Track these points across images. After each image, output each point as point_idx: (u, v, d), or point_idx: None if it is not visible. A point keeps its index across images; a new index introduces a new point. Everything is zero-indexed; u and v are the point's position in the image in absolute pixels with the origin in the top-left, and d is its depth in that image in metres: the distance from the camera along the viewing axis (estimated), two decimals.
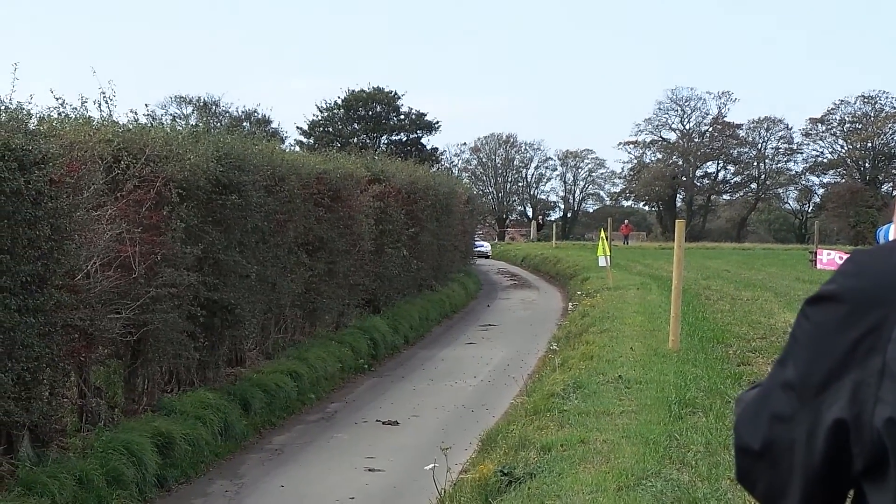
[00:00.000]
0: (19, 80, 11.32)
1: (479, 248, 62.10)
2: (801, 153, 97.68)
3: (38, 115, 11.65)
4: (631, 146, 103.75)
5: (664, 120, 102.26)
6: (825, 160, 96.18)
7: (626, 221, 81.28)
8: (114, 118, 14.00)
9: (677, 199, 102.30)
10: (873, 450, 1.54)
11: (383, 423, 16.16)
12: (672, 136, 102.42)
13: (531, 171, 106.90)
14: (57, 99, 13.02)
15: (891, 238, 1.79)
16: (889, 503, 1.54)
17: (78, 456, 11.29)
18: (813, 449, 1.60)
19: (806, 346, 1.64)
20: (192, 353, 14.72)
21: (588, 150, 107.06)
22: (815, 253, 46.47)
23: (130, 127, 14.14)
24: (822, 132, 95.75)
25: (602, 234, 35.24)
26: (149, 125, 14.87)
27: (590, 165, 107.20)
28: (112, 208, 12.38)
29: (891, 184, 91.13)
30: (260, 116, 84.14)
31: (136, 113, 14.87)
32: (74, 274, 11.55)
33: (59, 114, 12.77)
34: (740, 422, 1.75)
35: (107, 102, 13.92)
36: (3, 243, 9.91)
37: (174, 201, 13.61)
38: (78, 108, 13.33)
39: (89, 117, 13.40)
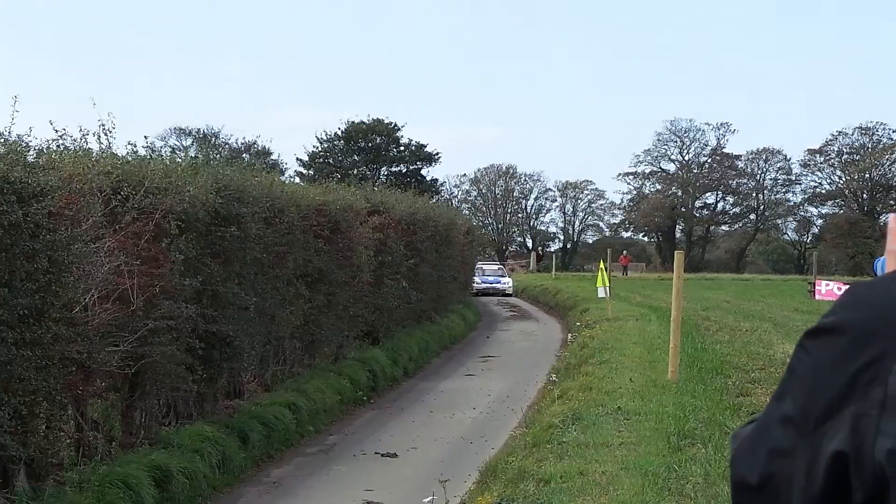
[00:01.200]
0: (19, 112, 11.30)
1: (492, 284, 56.16)
2: (800, 184, 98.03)
3: (36, 148, 11.66)
4: (630, 177, 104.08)
5: (663, 151, 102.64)
6: (823, 191, 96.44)
7: (624, 252, 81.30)
8: (113, 150, 14.01)
9: (676, 229, 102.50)
10: (874, 482, 1.53)
11: (382, 455, 16.11)
12: (671, 168, 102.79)
13: (531, 202, 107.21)
14: (56, 131, 13.04)
15: (885, 270, 1.78)
16: None
17: (74, 490, 11.23)
18: (813, 482, 1.58)
19: (805, 379, 1.62)
20: (191, 386, 14.67)
21: (588, 181, 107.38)
22: (814, 283, 46.47)
23: (129, 159, 14.13)
24: (821, 163, 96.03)
25: (601, 264, 35.23)
26: (148, 157, 14.87)
27: (589, 196, 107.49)
28: (111, 241, 12.37)
29: (889, 215, 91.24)
30: (259, 148, 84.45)
31: (135, 145, 14.87)
32: (72, 307, 11.52)
33: (59, 146, 12.79)
34: (737, 457, 1.73)
35: (106, 134, 13.94)
36: (1, 276, 9.90)
37: (173, 233, 13.60)
38: (78, 140, 13.36)
39: (89, 149, 13.41)
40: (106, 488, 11.43)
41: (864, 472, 1.53)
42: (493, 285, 55.95)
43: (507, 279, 57.82)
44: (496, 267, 61.79)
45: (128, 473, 11.90)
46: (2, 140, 10.75)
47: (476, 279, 53.88)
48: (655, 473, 10.74)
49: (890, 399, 1.52)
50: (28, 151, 11.05)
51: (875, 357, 1.54)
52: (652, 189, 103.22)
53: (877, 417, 1.52)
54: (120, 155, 14.05)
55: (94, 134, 13.72)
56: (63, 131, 13.12)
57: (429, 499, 10.59)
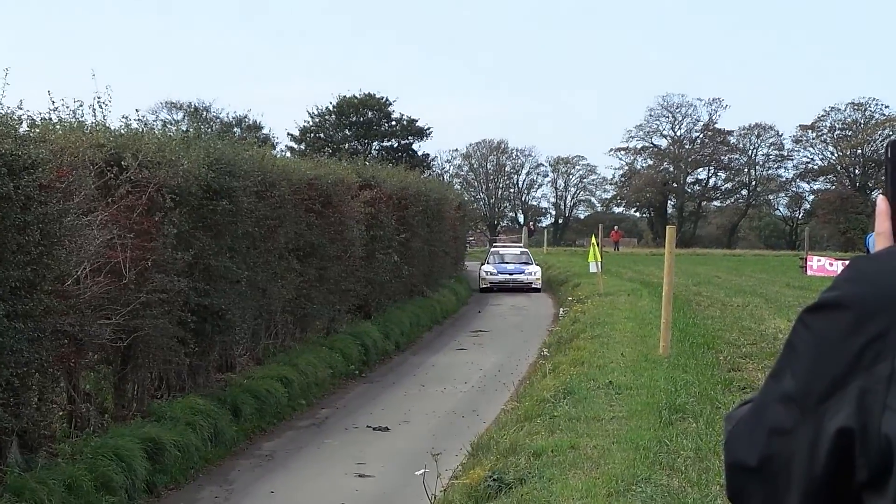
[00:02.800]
0: (10, 84, 11.24)
1: (513, 274, 42.44)
2: (792, 160, 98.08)
3: (28, 120, 11.61)
4: (622, 153, 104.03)
5: (655, 126, 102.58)
6: (815, 167, 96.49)
7: (615, 227, 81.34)
8: (107, 123, 13.98)
9: (668, 205, 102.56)
10: (879, 459, 1.50)
11: (374, 428, 16.14)
12: (663, 143, 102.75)
13: (522, 177, 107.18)
14: (53, 102, 13.00)
15: (873, 248, 1.74)
16: None
17: (67, 462, 11.25)
18: (815, 461, 1.55)
19: (807, 355, 1.59)
20: (183, 359, 14.68)
21: (579, 156, 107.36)
22: (806, 259, 46.70)
23: (122, 132, 14.11)
24: (813, 139, 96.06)
25: (593, 240, 35.28)
26: (141, 130, 14.83)
27: (581, 172, 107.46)
28: (103, 214, 12.35)
29: (880, 191, 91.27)
30: (251, 122, 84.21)
31: (128, 118, 14.84)
32: (64, 279, 11.52)
33: (52, 118, 12.74)
34: (733, 438, 1.70)
35: (101, 107, 13.91)
36: None
37: (166, 207, 13.59)
38: (74, 112, 13.33)
39: (81, 122, 13.38)
40: (98, 460, 11.45)
41: (869, 448, 1.51)
42: (515, 276, 42.15)
43: (533, 267, 43.05)
44: (518, 251, 45.99)
45: (120, 445, 11.92)
46: None
47: (488, 269, 43.23)
48: (647, 447, 10.77)
49: None
50: (20, 124, 11.01)
51: (881, 332, 1.52)
52: (644, 164, 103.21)
53: (884, 393, 1.50)
54: (113, 128, 14.03)
55: (89, 106, 13.71)
56: (62, 102, 13.12)
57: (421, 472, 10.59)
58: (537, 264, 44.28)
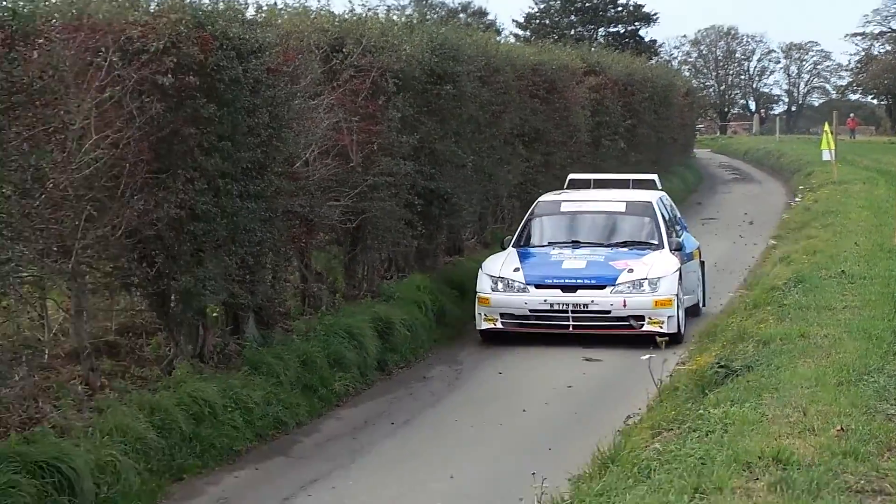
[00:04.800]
0: None
1: (567, 285, 13.88)
2: None
3: (254, 4, 11.83)
4: (858, 38, 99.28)
5: (894, 10, 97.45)
6: None
7: (851, 115, 78.28)
8: (330, 8, 14.15)
9: None
10: None
11: None
12: None
13: (753, 63, 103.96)
14: None
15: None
16: None
17: (301, 338, 11.64)
18: None
19: None
20: (410, 242, 14.91)
21: (813, 42, 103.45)
22: None
23: (346, 17, 14.25)
24: None
25: (827, 127, 34.01)
26: (364, 16, 14.95)
27: (815, 58, 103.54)
28: (329, 97, 12.54)
29: None
30: (476, 8, 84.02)
31: (352, 3, 14.99)
32: (293, 161, 11.79)
33: (277, 3, 12.96)
34: None
35: None
36: (224, 130, 10.14)
37: (390, 91, 13.70)
38: None
39: (306, 7, 13.57)
40: (331, 337, 11.84)
41: None
42: (582, 298, 14.04)
43: (653, 260, 14.48)
44: (623, 203, 15.84)
45: (351, 324, 12.28)
46: None
47: (499, 267, 14.53)
48: (880, 337, 10.39)
49: None
50: (246, 8, 11.21)
51: None
52: (881, 50, 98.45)
53: None
54: (336, 13, 14.19)
55: None
56: None
57: (647, 356, 10.52)
58: (676, 251, 15.06)
